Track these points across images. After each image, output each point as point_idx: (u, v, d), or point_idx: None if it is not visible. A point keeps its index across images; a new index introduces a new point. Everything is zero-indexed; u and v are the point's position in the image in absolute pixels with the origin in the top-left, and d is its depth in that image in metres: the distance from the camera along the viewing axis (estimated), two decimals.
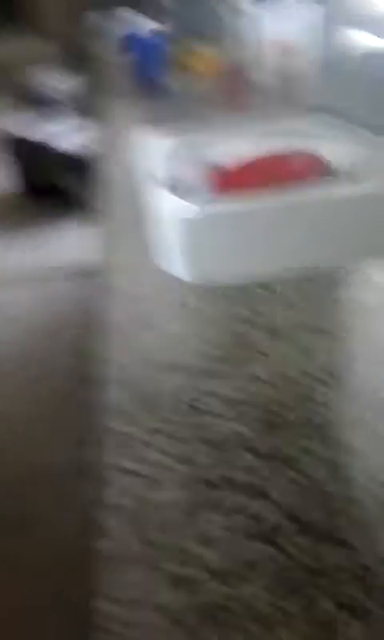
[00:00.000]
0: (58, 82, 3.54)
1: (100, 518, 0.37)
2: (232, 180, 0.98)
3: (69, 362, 2.10)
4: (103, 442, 0.43)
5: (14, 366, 2.11)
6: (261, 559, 0.35)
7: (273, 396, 0.46)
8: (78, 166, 3.00)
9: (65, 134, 3.16)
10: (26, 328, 2.34)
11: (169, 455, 0.42)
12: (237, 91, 1.30)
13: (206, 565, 0.34)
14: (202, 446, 0.42)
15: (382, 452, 0.41)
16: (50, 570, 1.25)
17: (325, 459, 0.40)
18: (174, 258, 0.70)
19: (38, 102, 3.49)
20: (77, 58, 3.68)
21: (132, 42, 1.52)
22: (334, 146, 1.05)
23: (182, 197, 0.97)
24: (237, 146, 1.13)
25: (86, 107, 3.54)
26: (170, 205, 0.90)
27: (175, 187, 1.02)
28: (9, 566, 1.27)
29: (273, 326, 0.55)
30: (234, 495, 0.38)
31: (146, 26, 2.54)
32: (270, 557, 0.35)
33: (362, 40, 0.88)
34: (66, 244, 2.91)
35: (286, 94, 1.30)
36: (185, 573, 0.34)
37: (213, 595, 0.33)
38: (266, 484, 0.39)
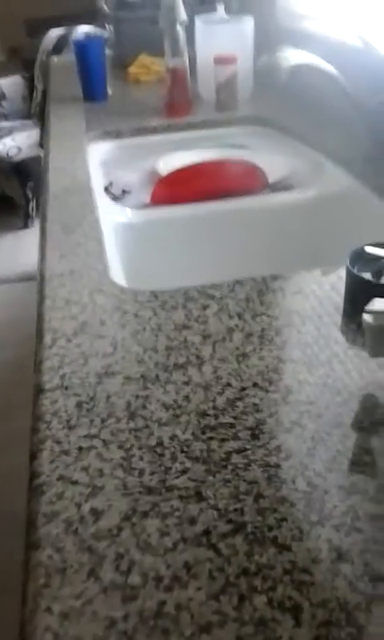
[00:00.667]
0: (1, 86, 3.46)
1: (37, 526, 0.37)
2: (168, 186, 0.99)
3: (7, 368, 2.05)
4: (41, 449, 0.43)
5: None
6: (197, 562, 0.35)
7: (208, 400, 0.47)
8: (17, 171, 2.94)
9: (4, 138, 3.09)
10: None
11: (106, 461, 0.42)
12: (174, 99, 1.32)
13: (143, 571, 0.35)
14: (139, 451, 0.42)
15: (313, 454, 0.42)
16: None
17: (257, 461, 0.42)
18: (112, 262, 0.70)
19: None
20: (22, 63, 3.62)
21: (75, 47, 1.52)
22: (267, 156, 1.08)
23: (118, 201, 0.98)
24: (174, 152, 1.14)
25: (28, 112, 3.49)
26: (106, 208, 0.90)
27: (112, 192, 1.02)
28: None
29: (208, 331, 0.56)
30: (171, 499, 0.39)
31: (95, 34, 2.53)
32: (206, 559, 0.35)
33: (291, 55, 0.92)
34: (8, 250, 2.84)
35: (220, 104, 1.33)
36: (122, 580, 0.34)
37: (151, 601, 0.33)
38: (202, 486, 0.40)
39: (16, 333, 2.21)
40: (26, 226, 3.00)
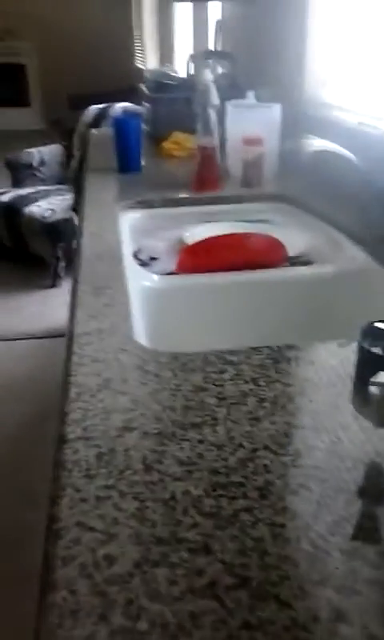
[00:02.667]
0: (41, 152, 3.67)
1: (53, 568, 0.39)
2: (193, 255, 1.05)
3: (23, 422, 2.08)
4: (61, 495, 0.46)
5: None
6: (202, 612, 0.37)
7: (220, 459, 0.50)
8: (49, 232, 3.07)
9: (39, 201, 3.25)
10: None
11: (121, 511, 0.44)
12: (204, 174, 1.41)
13: (151, 617, 0.37)
14: (153, 503, 0.45)
15: (318, 517, 0.44)
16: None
17: (264, 519, 0.44)
18: (136, 324, 0.75)
19: (17, 169, 3.61)
20: (62, 133, 3.85)
21: (115, 122, 1.64)
22: (288, 231, 1.15)
23: (145, 267, 1.04)
24: (200, 224, 1.21)
25: (64, 178, 3.67)
26: (134, 273, 0.95)
27: (141, 258, 1.08)
28: None
29: (224, 394, 0.59)
30: (180, 551, 0.41)
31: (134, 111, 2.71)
32: (210, 610, 0.37)
33: (315, 141, 0.99)
34: (35, 307, 2.92)
35: (247, 181, 1.41)
36: (131, 625, 0.36)
37: None
38: (210, 541, 0.42)
39: (34, 387, 2.25)
40: (53, 285, 3.10)
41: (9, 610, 1.41)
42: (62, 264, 3.09)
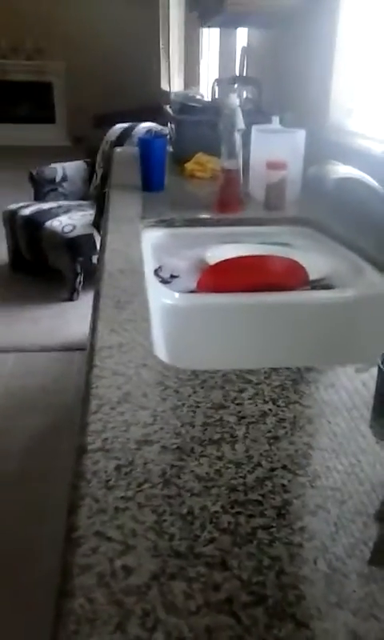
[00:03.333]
0: (64, 168, 3.74)
1: (71, 576, 0.40)
2: (214, 275, 1.06)
3: (46, 432, 2.08)
4: (80, 505, 0.46)
5: None
6: (218, 627, 0.37)
7: (238, 476, 0.50)
8: (69, 247, 3.11)
9: (61, 215, 3.30)
10: (4, 399, 2.33)
11: (140, 523, 0.45)
12: (226, 196, 1.42)
13: (167, 630, 0.37)
14: (171, 517, 0.45)
15: (335, 539, 0.44)
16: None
17: (281, 539, 0.44)
18: (157, 340, 0.76)
19: (40, 184, 3.67)
20: (85, 150, 3.92)
21: (140, 142, 1.67)
22: (309, 255, 1.16)
23: (166, 285, 1.05)
24: (222, 244, 1.23)
25: (86, 194, 3.73)
26: (155, 290, 0.97)
27: (161, 275, 1.09)
28: None
29: (243, 413, 0.59)
30: (198, 565, 0.41)
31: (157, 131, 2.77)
32: (227, 626, 0.37)
33: (338, 167, 1.00)
34: (52, 320, 2.95)
35: (269, 204, 1.43)
36: (147, 636, 0.36)
37: None
38: (227, 557, 0.42)
39: (48, 399, 2.26)
40: (71, 298, 3.13)
41: (10, 620, 1.40)
42: (80, 278, 3.12)
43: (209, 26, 3.04)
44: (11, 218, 3.41)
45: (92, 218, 3.18)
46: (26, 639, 1.32)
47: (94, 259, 3.03)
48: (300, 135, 1.51)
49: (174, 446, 0.54)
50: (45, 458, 1.92)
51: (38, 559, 1.53)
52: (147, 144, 1.67)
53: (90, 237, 3.10)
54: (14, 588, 1.48)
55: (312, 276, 1.06)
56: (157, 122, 3.45)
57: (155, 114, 3.99)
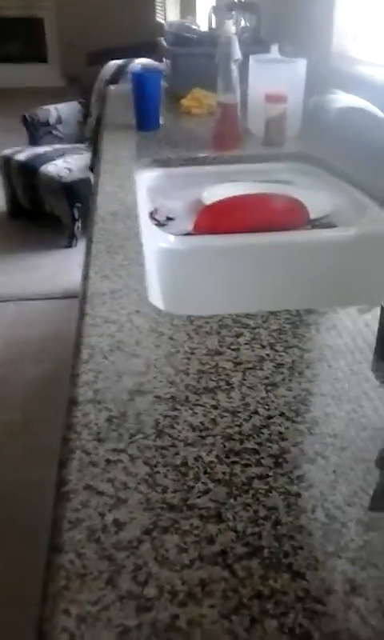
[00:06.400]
0: (58, 110, 3.60)
1: (61, 530, 0.39)
2: (211, 216, 1.02)
3: (45, 381, 2.09)
4: (70, 458, 0.45)
5: None
6: (212, 580, 0.36)
7: (234, 425, 0.48)
8: (66, 192, 3.03)
9: (56, 159, 3.20)
10: (5, 348, 2.33)
11: (131, 475, 0.43)
12: (224, 132, 1.36)
13: (159, 584, 0.36)
14: (164, 469, 0.44)
15: (334, 487, 0.43)
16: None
17: (278, 488, 0.42)
18: (151, 285, 0.73)
19: (33, 127, 3.54)
20: (80, 90, 3.77)
21: (133, 78, 1.58)
22: (311, 193, 1.11)
23: (161, 228, 1.01)
24: (219, 184, 1.17)
25: (82, 136, 3.61)
26: (150, 234, 0.93)
27: (157, 218, 1.05)
28: None
29: (240, 359, 0.57)
30: (191, 518, 0.40)
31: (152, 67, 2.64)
32: (221, 578, 0.36)
33: (340, 97, 0.94)
34: (52, 268, 2.92)
35: (268, 140, 1.36)
36: (138, 590, 0.35)
37: (164, 614, 0.34)
38: (222, 508, 0.41)
39: (49, 348, 2.26)
40: (70, 245, 3.07)
41: (17, 561, 1.44)
42: (79, 224, 3.05)
43: None
44: (6, 163, 3.31)
45: (89, 161, 3.08)
46: (32, 582, 1.36)
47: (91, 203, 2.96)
48: (301, 65, 1.42)
49: (168, 396, 0.52)
50: (48, 406, 1.94)
51: (45, 505, 1.56)
52: (140, 79, 1.58)
53: (88, 181, 3.01)
54: (22, 531, 1.51)
55: (313, 214, 1.02)
56: (154, 59, 3.28)
57: (152, 50, 3.81)
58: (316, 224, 1.01)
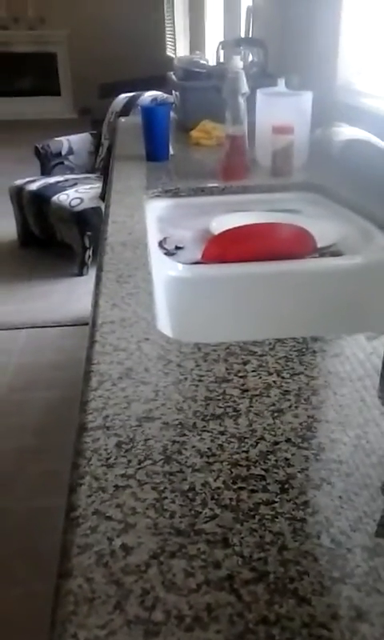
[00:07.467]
0: (70, 141, 3.68)
1: (70, 556, 0.39)
2: (220, 245, 1.04)
3: (52, 408, 2.10)
4: (80, 484, 0.45)
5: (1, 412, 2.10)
6: (218, 605, 0.37)
7: (241, 451, 0.49)
8: (77, 220, 3.08)
9: (68, 189, 3.26)
10: (17, 375, 2.35)
11: (140, 501, 0.44)
12: (232, 163, 1.39)
13: (167, 609, 0.36)
14: (172, 494, 0.44)
15: (340, 513, 0.43)
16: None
17: (284, 514, 0.43)
18: (160, 313, 0.74)
19: (46, 158, 3.62)
20: (91, 122, 3.86)
21: (143, 111, 1.62)
22: (318, 222, 1.12)
23: (170, 256, 1.03)
24: (228, 213, 1.20)
25: (93, 167, 3.68)
26: (159, 262, 0.95)
27: (166, 247, 1.07)
28: None
29: (247, 386, 0.58)
30: (198, 542, 0.40)
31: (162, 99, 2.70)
32: (227, 603, 0.37)
33: (345, 130, 0.97)
34: (63, 295, 2.95)
35: (276, 170, 1.39)
36: (146, 615, 0.36)
37: (171, 638, 0.35)
38: (229, 533, 0.41)
39: (60, 375, 2.27)
40: (80, 273, 3.11)
41: (30, 590, 1.43)
42: (90, 252, 3.10)
43: None
44: (18, 193, 3.38)
45: (99, 191, 3.14)
46: (45, 608, 1.34)
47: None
48: (306, 97, 1.45)
49: (176, 422, 0.53)
50: (60, 432, 1.94)
51: (57, 531, 1.55)
52: (150, 112, 1.63)
53: (98, 210, 3.07)
54: (35, 559, 1.50)
55: (320, 243, 1.03)
56: (163, 91, 3.37)
57: (161, 83, 3.91)
58: (323, 252, 1.03)
